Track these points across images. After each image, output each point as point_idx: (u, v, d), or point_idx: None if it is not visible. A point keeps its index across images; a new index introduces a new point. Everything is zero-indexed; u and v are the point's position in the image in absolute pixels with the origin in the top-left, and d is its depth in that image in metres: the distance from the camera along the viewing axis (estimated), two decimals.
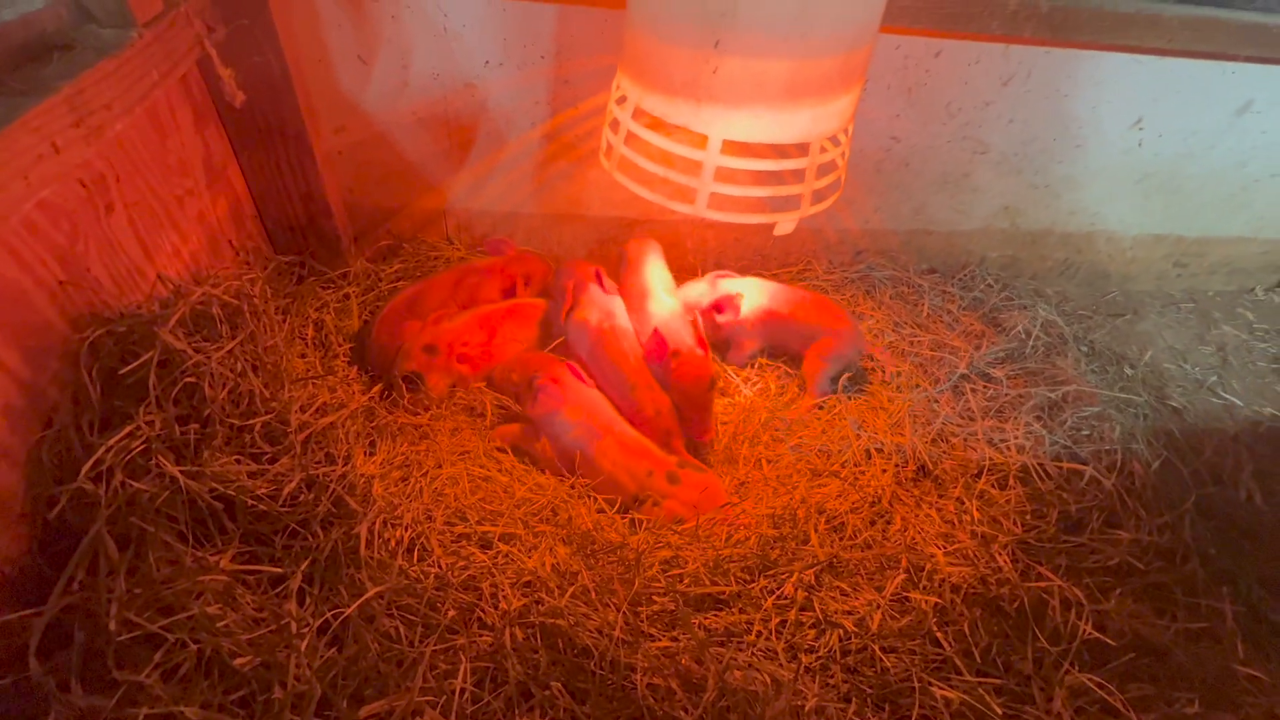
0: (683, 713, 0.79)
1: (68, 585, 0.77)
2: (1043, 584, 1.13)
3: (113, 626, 0.73)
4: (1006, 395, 1.53)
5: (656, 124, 1.09)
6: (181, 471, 0.86)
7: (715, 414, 1.41)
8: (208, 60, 1.15)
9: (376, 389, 1.29)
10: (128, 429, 0.85)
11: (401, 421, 1.25)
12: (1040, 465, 1.36)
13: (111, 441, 0.83)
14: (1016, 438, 1.41)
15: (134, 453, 0.84)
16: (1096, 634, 1.08)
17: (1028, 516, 1.29)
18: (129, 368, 0.87)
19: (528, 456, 1.28)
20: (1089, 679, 1.00)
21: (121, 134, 0.98)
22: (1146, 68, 1.59)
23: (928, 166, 1.71)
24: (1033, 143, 1.70)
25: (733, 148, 1.06)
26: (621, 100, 1.13)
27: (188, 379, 0.92)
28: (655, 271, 1.52)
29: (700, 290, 1.55)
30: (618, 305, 1.47)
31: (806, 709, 0.83)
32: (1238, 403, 1.82)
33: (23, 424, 0.81)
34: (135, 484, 0.82)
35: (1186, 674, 1.10)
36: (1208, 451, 1.59)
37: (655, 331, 1.34)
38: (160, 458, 0.85)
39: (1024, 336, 1.70)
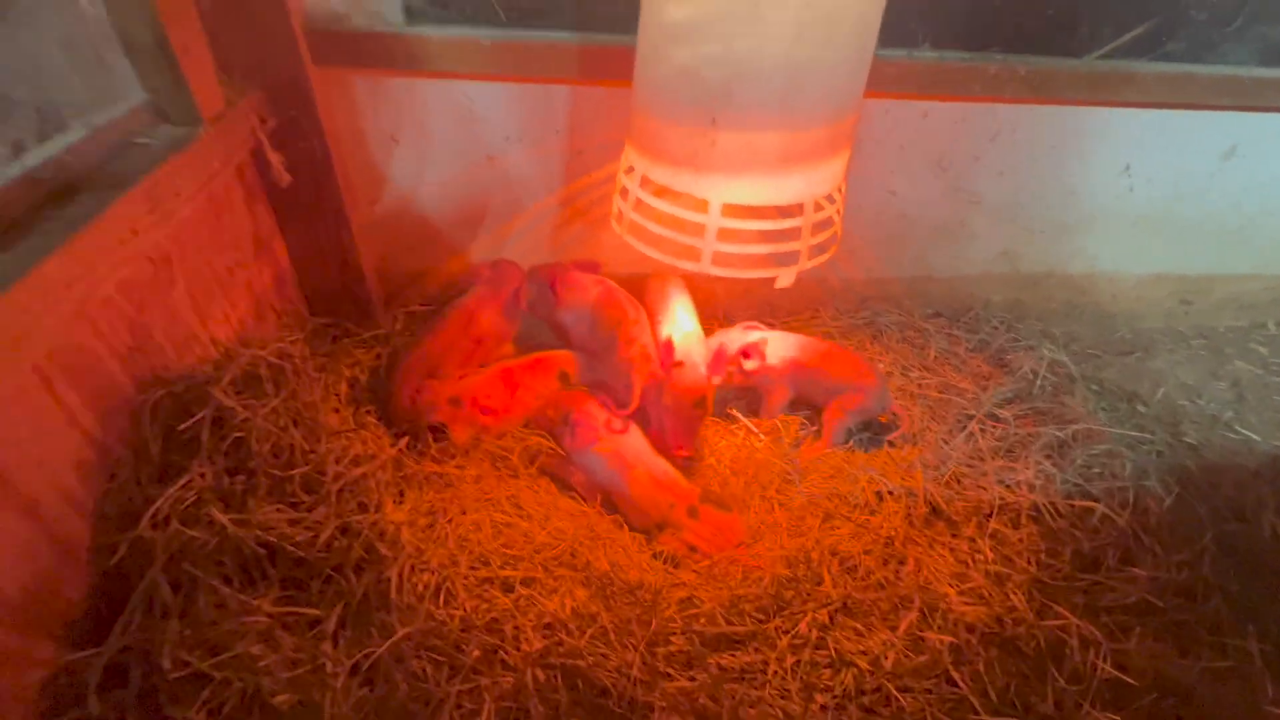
0: None
1: (125, 626, 0.83)
2: (1059, 622, 1.13)
3: (167, 665, 0.79)
4: (1015, 435, 1.56)
5: (662, 190, 1.19)
6: (230, 520, 0.93)
7: (699, 436, 1.48)
8: (260, 147, 1.29)
9: (404, 441, 1.37)
10: (182, 481, 0.93)
11: (428, 470, 1.32)
12: (1052, 504, 1.38)
13: (168, 493, 0.90)
14: (1027, 477, 1.43)
15: (188, 503, 0.92)
16: (1117, 673, 1.08)
17: (1042, 555, 1.30)
18: (186, 425, 0.96)
19: (564, 484, 1.37)
20: (1110, 718, 0.99)
21: (186, 216, 1.10)
22: (1130, 118, 1.67)
23: (924, 217, 1.79)
24: (1024, 191, 1.78)
25: (734, 208, 1.15)
26: (629, 171, 1.24)
27: (237, 434, 1.00)
28: (677, 300, 1.61)
29: (730, 337, 1.62)
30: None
31: None
32: (1256, 438, 1.81)
33: (92, 477, 0.89)
34: (189, 531, 0.89)
35: (1212, 715, 1.09)
36: (1227, 488, 1.58)
37: (668, 340, 1.42)
38: (211, 508, 0.93)
39: (1031, 377, 1.74)
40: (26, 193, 0.81)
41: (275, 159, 1.32)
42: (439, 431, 1.41)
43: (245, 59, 1.20)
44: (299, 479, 1.06)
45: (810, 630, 1.05)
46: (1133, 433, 1.60)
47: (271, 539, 0.96)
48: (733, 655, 1.02)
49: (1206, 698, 1.11)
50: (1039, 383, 1.72)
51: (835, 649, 1.03)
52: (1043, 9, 1.46)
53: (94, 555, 0.88)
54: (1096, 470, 1.47)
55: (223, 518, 0.92)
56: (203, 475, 0.95)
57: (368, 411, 1.47)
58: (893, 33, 1.42)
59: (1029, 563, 1.27)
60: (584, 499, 1.36)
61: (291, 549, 0.98)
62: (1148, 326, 2.22)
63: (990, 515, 1.37)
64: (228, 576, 0.92)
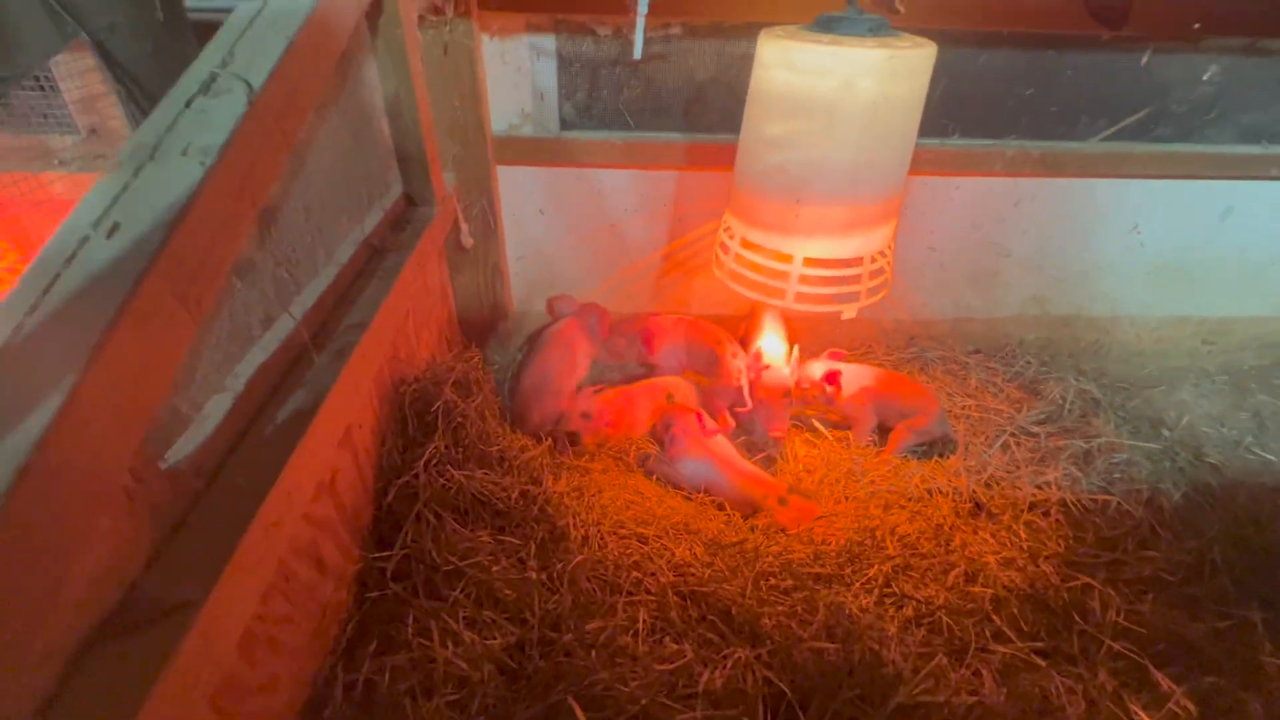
0: (801, 632, 1.14)
1: (404, 539, 1.23)
2: (1082, 581, 1.41)
3: (439, 560, 1.18)
4: (1046, 447, 1.85)
5: (756, 246, 1.60)
6: (461, 475, 1.33)
7: (787, 422, 1.84)
8: (456, 219, 1.77)
9: (548, 441, 1.76)
10: (429, 448, 1.34)
11: (570, 462, 1.71)
12: (1077, 500, 1.66)
13: (425, 453, 1.32)
14: (1055, 479, 1.72)
15: (434, 463, 1.33)
16: (1131, 625, 1.34)
17: (1069, 539, 1.58)
18: (433, 409, 1.38)
19: (672, 484, 1.71)
20: (1124, 647, 1.26)
21: (424, 270, 1.56)
22: (1134, 186, 2.01)
23: (961, 268, 2.14)
24: (1048, 245, 2.12)
25: (811, 260, 1.54)
26: (729, 230, 1.66)
27: (459, 419, 1.42)
28: (770, 326, 2.00)
29: (816, 364, 1.96)
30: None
31: (889, 634, 1.15)
32: (1275, 460, 2.03)
33: (376, 442, 1.32)
34: (438, 479, 1.30)
35: (1217, 664, 1.33)
36: (1243, 498, 1.81)
37: (757, 350, 1.80)
38: (449, 467, 1.33)
39: (1060, 402, 2.02)
40: (364, 252, 1.28)
41: (464, 227, 1.80)
42: (573, 436, 1.80)
43: (456, 160, 1.69)
44: (495, 455, 1.46)
45: (878, 576, 1.36)
46: (1152, 445, 1.86)
47: (485, 492, 1.36)
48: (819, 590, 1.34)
49: (1211, 651, 1.35)
50: (1068, 407, 2.01)
51: (899, 590, 1.34)
52: (1048, 105, 1.85)
53: (375, 494, 1.30)
54: (1117, 475, 1.74)
55: (457, 474, 1.33)
56: (438, 446, 1.37)
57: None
58: (929, 127, 1.84)
59: (1057, 544, 1.55)
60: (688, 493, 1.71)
61: (495, 501, 1.37)
62: (1172, 365, 2.46)
63: (1024, 510, 1.65)
64: (459, 516, 1.32)
